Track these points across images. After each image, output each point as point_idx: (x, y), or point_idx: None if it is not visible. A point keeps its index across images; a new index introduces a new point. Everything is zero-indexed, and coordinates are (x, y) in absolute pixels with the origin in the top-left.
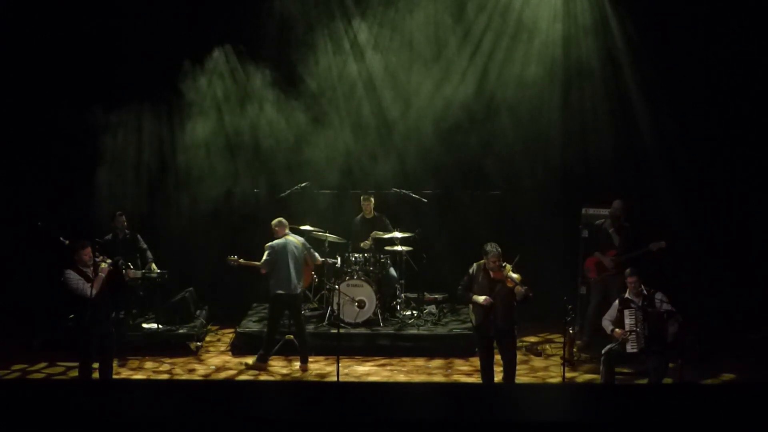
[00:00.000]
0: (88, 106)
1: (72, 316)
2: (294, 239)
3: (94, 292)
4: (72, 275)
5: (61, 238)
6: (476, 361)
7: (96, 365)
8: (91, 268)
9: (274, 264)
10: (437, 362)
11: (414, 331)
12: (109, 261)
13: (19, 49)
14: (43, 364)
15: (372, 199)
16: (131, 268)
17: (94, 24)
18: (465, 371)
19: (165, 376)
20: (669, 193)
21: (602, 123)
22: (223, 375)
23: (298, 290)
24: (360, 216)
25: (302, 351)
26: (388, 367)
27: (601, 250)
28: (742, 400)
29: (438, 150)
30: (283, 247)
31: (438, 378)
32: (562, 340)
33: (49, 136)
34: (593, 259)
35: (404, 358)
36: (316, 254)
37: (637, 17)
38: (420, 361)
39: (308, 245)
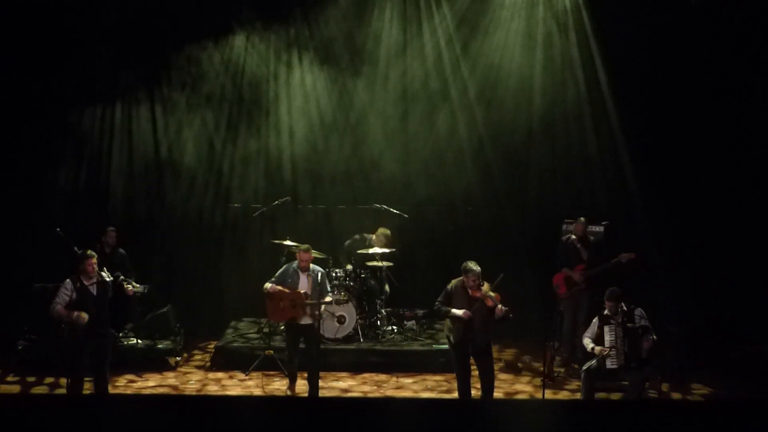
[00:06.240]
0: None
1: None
2: None
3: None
4: (66, 287)
5: (75, 248)
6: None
7: (90, 379)
8: (94, 280)
9: None
10: (415, 378)
11: (394, 347)
12: (111, 277)
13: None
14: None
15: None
16: (130, 285)
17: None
18: (444, 387)
19: (144, 392)
20: (650, 210)
21: (581, 140)
22: (203, 390)
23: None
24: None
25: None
26: (369, 383)
27: (570, 265)
28: (721, 417)
29: (421, 169)
30: None
31: (417, 393)
32: (541, 356)
33: (21, 146)
34: (561, 274)
35: (384, 374)
36: None
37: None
38: (400, 376)
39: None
